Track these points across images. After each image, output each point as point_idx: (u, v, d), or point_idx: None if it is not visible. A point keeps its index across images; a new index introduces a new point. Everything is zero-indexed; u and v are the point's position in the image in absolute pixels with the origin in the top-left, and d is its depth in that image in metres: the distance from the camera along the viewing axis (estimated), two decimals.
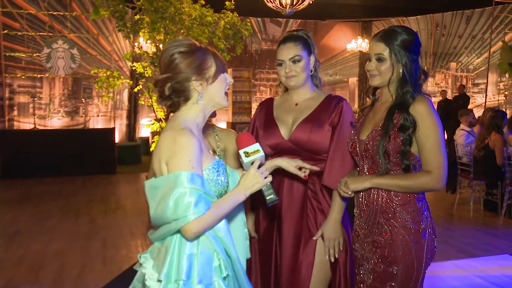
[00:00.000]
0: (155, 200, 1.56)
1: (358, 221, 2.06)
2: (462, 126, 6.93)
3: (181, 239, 1.59)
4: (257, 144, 1.72)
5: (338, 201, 2.17)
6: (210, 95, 1.70)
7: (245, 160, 1.70)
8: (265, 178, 1.68)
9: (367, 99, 2.15)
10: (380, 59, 1.92)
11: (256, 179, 1.66)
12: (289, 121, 2.27)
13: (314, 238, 2.19)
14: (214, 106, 1.75)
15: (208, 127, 2.46)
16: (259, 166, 1.70)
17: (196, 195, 1.51)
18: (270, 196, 1.70)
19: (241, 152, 1.71)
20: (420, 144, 1.85)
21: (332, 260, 2.18)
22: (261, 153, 1.71)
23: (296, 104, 2.30)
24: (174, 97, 1.67)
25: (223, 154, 2.46)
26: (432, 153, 1.83)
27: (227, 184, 1.74)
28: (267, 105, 2.41)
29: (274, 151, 2.25)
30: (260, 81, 13.71)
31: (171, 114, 1.76)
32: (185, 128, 1.60)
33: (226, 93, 1.75)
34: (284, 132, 2.25)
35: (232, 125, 11.35)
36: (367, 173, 1.97)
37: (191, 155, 1.55)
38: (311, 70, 2.28)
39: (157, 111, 7.50)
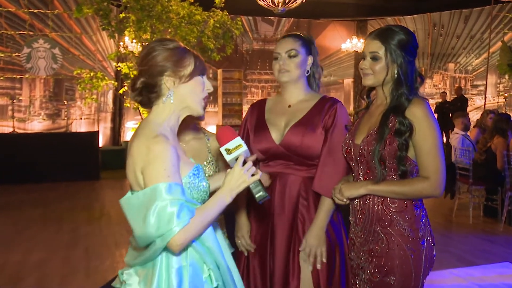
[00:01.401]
0: (138, 220, 1.51)
1: (353, 229, 2.06)
2: (456, 129, 6.98)
3: (167, 252, 1.57)
4: (238, 138, 1.65)
5: (325, 208, 2.16)
6: (182, 95, 1.66)
7: (227, 158, 1.64)
8: (252, 175, 1.62)
9: (362, 101, 2.15)
10: (374, 58, 1.92)
11: (241, 178, 1.60)
12: (281, 124, 2.26)
13: (300, 249, 2.17)
14: (185, 110, 1.70)
15: (198, 131, 2.43)
16: (245, 163, 1.63)
17: (178, 205, 1.48)
18: (259, 194, 1.63)
19: (222, 149, 1.65)
20: (417, 149, 1.86)
21: (311, 269, 2.15)
22: (244, 148, 1.64)
23: (289, 106, 2.30)
24: (144, 92, 1.65)
25: (215, 160, 2.44)
26: (429, 158, 1.84)
27: (209, 189, 1.73)
28: (258, 107, 2.40)
29: (265, 156, 2.24)
30: (251, 82, 13.72)
31: None
32: (159, 135, 1.57)
33: (204, 101, 1.71)
34: (276, 136, 2.24)
35: None
36: (362, 178, 1.97)
37: (166, 164, 1.52)
38: (307, 71, 2.29)
39: (143, 113, 7.49)
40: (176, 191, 1.50)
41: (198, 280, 1.59)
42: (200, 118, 2.27)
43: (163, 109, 1.66)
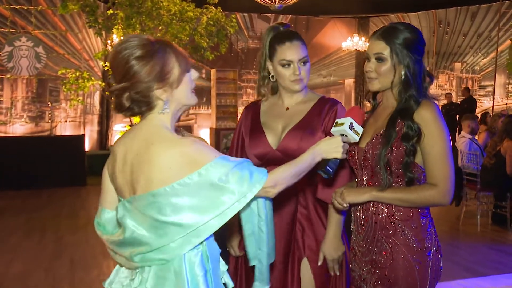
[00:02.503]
0: (204, 193, 1.55)
1: (355, 238, 2.05)
2: (463, 132, 7.00)
3: (189, 259, 1.60)
4: (362, 129, 1.83)
5: (336, 215, 2.17)
6: (177, 99, 1.68)
7: (340, 129, 1.80)
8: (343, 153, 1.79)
9: (367, 103, 2.15)
10: (380, 59, 1.91)
11: (337, 149, 1.76)
12: (278, 128, 2.26)
13: (319, 263, 2.18)
14: (182, 108, 1.74)
15: (178, 133, 2.43)
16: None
17: (247, 167, 1.58)
18: (330, 170, 1.79)
19: (347, 119, 1.80)
20: (424, 154, 1.86)
21: (332, 274, 2.19)
22: (358, 138, 1.82)
23: (287, 109, 2.30)
24: (135, 108, 1.64)
25: None
26: (437, 164, 1.83)
27: None
28: (253, 110, 2.39)
29: (261, 162, 2.22)
30: (246, 82, 13.74)
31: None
32: (180, 137, 1.60)
33: (193, 91, 1.74)
34: (272, 140, 2.23)
35: (216, 131, 11.35)
36: (366, 184, 1.97)
37: (209, 150, 1.59)
38: None
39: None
40: (233, 158, 1.60)
41: (220, 283, 1.68)
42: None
43: (162, 116, 1.66)
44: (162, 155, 1.55)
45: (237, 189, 1.54)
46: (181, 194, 1.54)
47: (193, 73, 1.73)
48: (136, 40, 1.62)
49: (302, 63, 2.21)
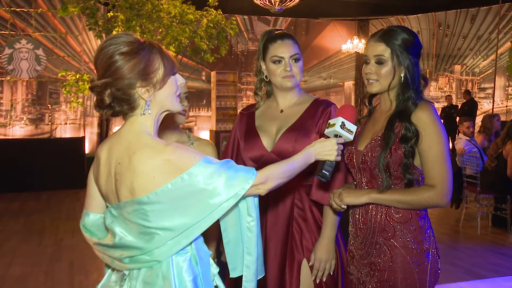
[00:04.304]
0: (190, 200, 1.52)
1: (353, 241, 2.05)
2: (460, 134, 7.04)
3: (177, 264, 1.58)
4: (355, 127, 1.83)
5: (330, 218, 2.16)
6: (160, 102, 1.63)
7: (332, 129, 1.79)
8: (337, 156, 1.78)
9: (364, 107, 2.15)
10: (380, 61, 1.91)
11: (331, 151, 1.75)
12: (273, 130, 2.27)
13: (310, 264, 2.17)
14: (164, 112, 1.69)
15: (182, 135, 2.40)
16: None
17: (231, 164, 1.56)
18: (326, 174, 1.79)
19: (338, 119, 1.80)
20: (422, 156, 1.86)
21: (318, 281, 2.17)
22: (351, 136, 1.81)
23: (282, 111, 2.30)
24: (116, 106, 1.58)
25: None
26: (435, 165, 1.83)
27: None
28: (248, 113, 2.40)
29: (257, 165, 2.21)
30: (246, 85, 13.74)
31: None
32: (166, 144, 1.56)
33: (179, 96, 1.69)
34: (267, 143, 2.24)
35: (216, 134, 11.35)
36: (365, 187, 1.97)
37: (193, 154, 1.55)
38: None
39: None
40: (217, 160, 1.56)
41: (210, 287, 1.66)
42: (181, 121, 2.29)
43: (143, 119, 1.61)
44: (145, 164, 1.52)
45: (224, 190, 1.52)
46: (165, 201, 1.51)
47: (179, 78, 1.70)
48: (124, 37, 1.58)
49: (294, 60, 2.23)
